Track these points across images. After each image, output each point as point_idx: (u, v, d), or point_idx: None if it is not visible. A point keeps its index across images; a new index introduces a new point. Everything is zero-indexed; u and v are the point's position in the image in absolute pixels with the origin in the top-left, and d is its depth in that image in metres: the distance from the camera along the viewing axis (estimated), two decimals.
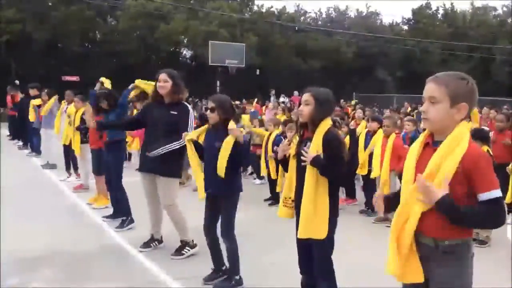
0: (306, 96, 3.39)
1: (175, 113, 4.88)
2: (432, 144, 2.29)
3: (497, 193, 2.13)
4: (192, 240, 5.19)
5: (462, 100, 2.21)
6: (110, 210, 6.57)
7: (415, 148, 2.36)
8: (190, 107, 5.10)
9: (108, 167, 6.32)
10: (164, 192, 5.06)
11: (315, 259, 3.37)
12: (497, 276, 4.58)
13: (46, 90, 10.98)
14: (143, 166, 5.17)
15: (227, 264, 4.40)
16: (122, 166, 6.35)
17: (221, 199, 4.24)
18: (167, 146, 4.77)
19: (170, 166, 4.93)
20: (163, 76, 4.92)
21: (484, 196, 2.13)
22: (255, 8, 39.85)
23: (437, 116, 2.24)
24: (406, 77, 40.42)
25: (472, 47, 39.63)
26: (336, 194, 3.44)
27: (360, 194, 7.84)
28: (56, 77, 26.40)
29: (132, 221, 6.15)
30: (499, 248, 5.67)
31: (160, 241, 5.44)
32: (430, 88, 2.27)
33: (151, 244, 5.36)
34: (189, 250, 5.13)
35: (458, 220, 2.17)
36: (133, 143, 10.15)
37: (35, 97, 11.76)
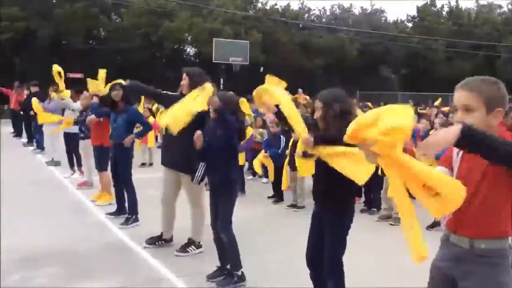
0: (316, 103, 3.48)
1: None
2: None
3: None
4: (199, 242, 5.20)
5: (497, 105, 2.14)
6: (114, 207, 6.58)
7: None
8: None
9: (116, 166, 6.32)
10: (191, 189, 5.07)
11: (326, 258, 3.38)
12: None
13: (55, 87, 10.95)
14: (165, 160, 5.26)
15: None
16: (131, 166, 6.35)
17: (220, 193, 4.27)
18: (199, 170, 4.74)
19: (195, 162, 4.86)
20: (183, 75, 5.07)
21: None
22: (259, 5, 39.79)
23: (474, 124, 2.09)
24: (411, 74, 40.30)
25: (477, 45, 39.48)
26: (350, 190, 3.46)
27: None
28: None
29: (136, 220, 6.16)
30: None
31: (168, 241, 5.42)
32: (463, 96, 2.16)
33: (156, 242, 5.37)
34: (194, 250, 5.15)
35: (482, 143, 1.92)
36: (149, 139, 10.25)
37: (36, 94, 11.79)
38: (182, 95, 5.04)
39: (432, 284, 2.41)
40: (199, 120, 4.81)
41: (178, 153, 5.00)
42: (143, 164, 10.61)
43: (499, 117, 2.15)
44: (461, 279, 2.24)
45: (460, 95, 2.18)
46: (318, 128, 3.51)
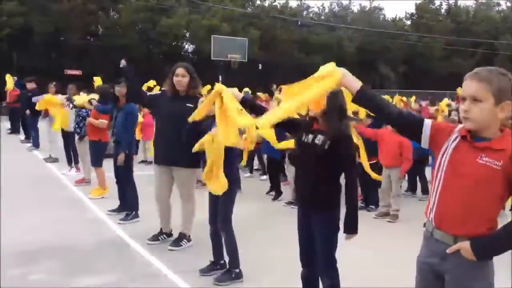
0: None
1: (191, 105, 4.88)
2: (471, 139, 2.16)
3: None
4: (189, 236, 5.25)
5: (506, 98, 2.10)
6: (107, 201, 6.57)
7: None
8: None
9: (117, 165, 6.31)
10: (184, 184, 5.09)
11: (319, 256, 3.37)
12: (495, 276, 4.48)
13: (54, 83, 10.89)
14: (160, 158, 5.20)
15: (226, 258, 4.42)
16: (132, 163, 6.36)
17: None
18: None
19: (191, 156, 4.85)
20: (181, 70, 4.97)
21: None
22: (258, 2, 39.78)
23: (480, 115, 2.10)
24: (409, 72, 40.34)
25: (475, 42, 39.52)
26: (339, 190, 3.43)
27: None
28: (58, 71, 26.41)
29: (136, 216, 6.17)
30: None
31: (169, 235, 5.45)
32: (472, 86, 2.11)
33: (159, 237, 5.39)
34: (186, 243, 5.22)
35: (496, 249, 2.17)
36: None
37: (32, 91, 11.72)
38: (176, 92, 5.01)
39: (420, 281, 2.39)
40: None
41: (170, 148, 4.99)
42: (143, 161, 10.58)
43: (507, 110, 2.11)
44: (448, 275, 2.23)
45: (469, 85, 2.13)
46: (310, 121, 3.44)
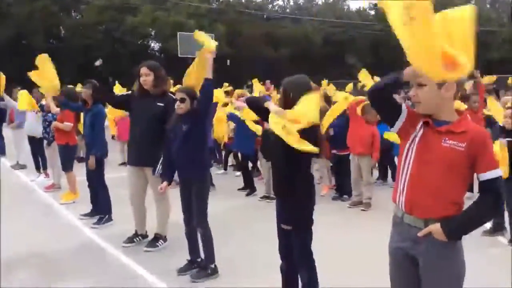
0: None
1: (162, 104, 4.87)
2: (434, 124, 2.26)
3: (499, 172, 2.20)
4: (165, 236, 5.21)
5: None
6: (79, 206, 6.46)
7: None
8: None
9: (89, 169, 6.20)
10: (157, 184, 5.00)
11: (295, 249, 3.39)
12: (490, 275, 4.34)
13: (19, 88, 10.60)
14: (132, 158, 5.15)
15: (202, 256, 4.41)
16: (103, 165, 6.23)
17: (193, 185, 4.25)
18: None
19: (160, 157, 4.85)
20: (144, 70, 4.91)
21: (487, 175, 2.17)
22: None
23: (426, 98, 2.25)
24: (376, 62, 40.85)
25: None
26: (311, 182, 3.46)
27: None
28: (22, 76, 25.77)
29: (110, 219, 6.08)
30: (493, 248, 5.25)
31: (144, 236, 5.40)
32: None
33: (135, 239, 5.33)
34: (162, 243, 5.18)
35: (466, 227, 2.24)
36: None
37: None
38: (143, 92, 4.96)
39: (394, 266, 2.45)
40: (162, 114, 4.78)
41: (142, 148, 4.95)
42: (123, 164, 10.35)
43: (452, 90, 2.22)
44: (422, 258, 2.30)
45: None
46: None
